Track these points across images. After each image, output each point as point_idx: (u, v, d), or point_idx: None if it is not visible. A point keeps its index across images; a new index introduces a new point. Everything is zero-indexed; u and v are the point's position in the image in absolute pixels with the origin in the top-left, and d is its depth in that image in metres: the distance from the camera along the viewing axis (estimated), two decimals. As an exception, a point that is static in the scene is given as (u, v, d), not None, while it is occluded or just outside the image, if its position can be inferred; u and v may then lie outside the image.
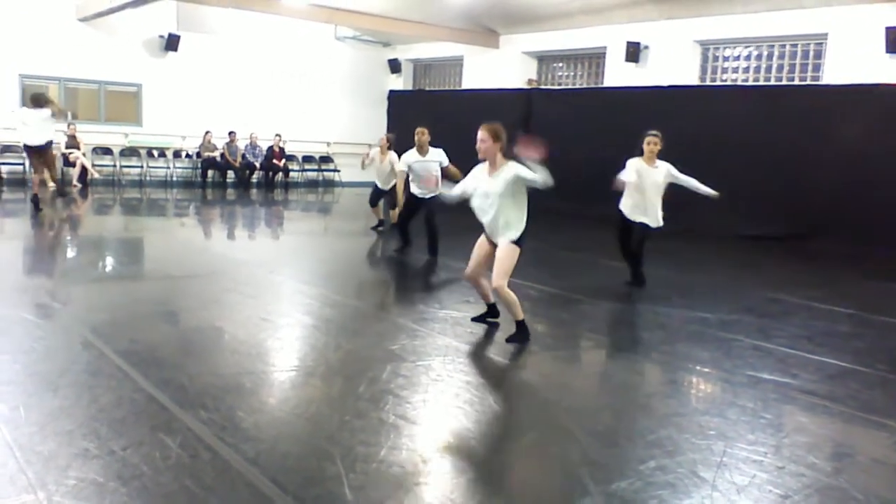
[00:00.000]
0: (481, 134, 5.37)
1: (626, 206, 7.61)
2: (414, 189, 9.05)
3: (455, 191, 5.81)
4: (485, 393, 4.62)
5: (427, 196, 8.83)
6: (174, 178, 17.30)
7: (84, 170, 15.67)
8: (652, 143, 7.44)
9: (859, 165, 11.05)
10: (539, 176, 5.19)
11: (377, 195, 11.30)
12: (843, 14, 11.94)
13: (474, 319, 5.94)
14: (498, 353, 5.28)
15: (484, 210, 5.45)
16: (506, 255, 5.37)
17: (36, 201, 11.31)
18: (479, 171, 5.59)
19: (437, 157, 8.96)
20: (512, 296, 5.41)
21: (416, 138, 8.90)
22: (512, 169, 5.33)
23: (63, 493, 2.98)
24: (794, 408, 4.54)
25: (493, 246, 5.50)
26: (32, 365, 4.58)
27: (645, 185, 7.41)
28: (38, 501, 2.91)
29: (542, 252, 10.41)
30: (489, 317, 5.93)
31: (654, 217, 7.50)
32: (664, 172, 7.48)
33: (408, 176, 9.15)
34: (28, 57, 15.31)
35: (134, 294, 6.94)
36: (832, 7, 12.04)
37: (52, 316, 5.87)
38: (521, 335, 5.51)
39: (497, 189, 5.35)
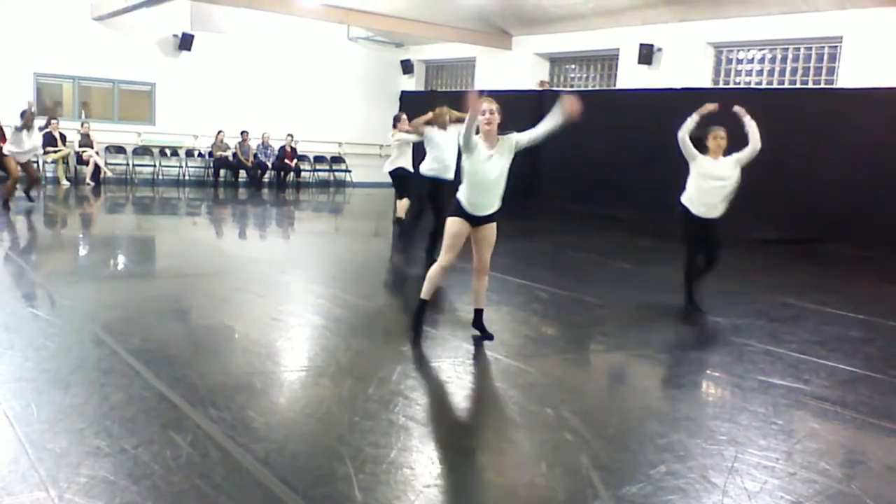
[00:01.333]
0: (490, 105, 5.05)
1: (692, 201, 6.94)
2: (429, 168, 8.67)
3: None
4: (494, 395, 4.62)
5: (441, 178, 8.58)
6: (186, 178, 17.37)
7: (97, 168, 15.77)
8: (718, 137, 6.95)
9: (874, 169, 10.97)
10: (552, 119, 5.11)
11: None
12: (858, 17, 11.87)
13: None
14: (508, 355, 5.27)
15: (487, 187, 5.17)
16: (494, 236, 5.31)
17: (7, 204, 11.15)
18: (477, 144, 5.17)
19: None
20: None
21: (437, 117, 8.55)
22: (511, 139, 5.15)
23: (74, 491, 2.99)
24: (806, 413, 4.51)
25: (469, 227, 5.25)
26: (44, 362, 4.60)
27: (710, 182, 6.85)
28: (49, 499, 2.93)
29: (552, 253, 10.40)
30: (422, 317, 5.54)
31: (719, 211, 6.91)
32: (731, 165, 6.90)
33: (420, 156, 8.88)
34: (43, 56, 15.41)
35: (146, 292, 6.97)
36: (847, 10, 11.98)
37: (63, 313, 5.90)
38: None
39: (505, 164, 5.16)
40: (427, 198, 8.95)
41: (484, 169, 5.14)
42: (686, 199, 6.95)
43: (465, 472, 3.51)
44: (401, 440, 3.70)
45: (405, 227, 9.98)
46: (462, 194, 5.25)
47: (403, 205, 10.32)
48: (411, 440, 3.74)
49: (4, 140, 10.86)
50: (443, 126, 8.51)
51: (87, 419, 3.71)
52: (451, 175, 8.48)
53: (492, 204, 5.23)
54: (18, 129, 10.82)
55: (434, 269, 5.33)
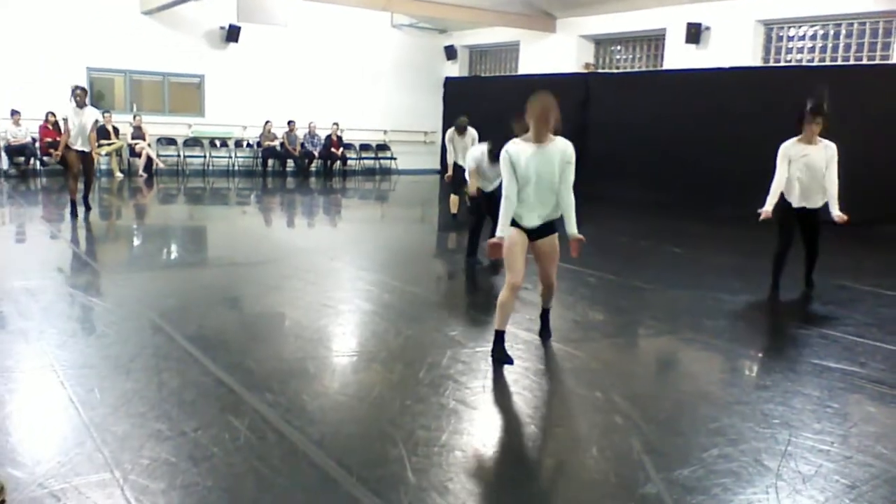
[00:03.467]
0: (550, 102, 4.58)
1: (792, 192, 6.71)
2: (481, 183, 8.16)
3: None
4: (543, 379, 4.64)
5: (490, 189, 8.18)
6: (236, 168, 17.64)
7: (149, 160, 16.11)
8: (816, 121, 6.57)
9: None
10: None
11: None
12: (915, -10, 11.51)
13: (500, 360, 4.74)
14: (557, 339, 5.28)
15: (542, 192, 4.64)
16: (558, 247, 4.87)
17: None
18: (518, 149, 4.64)
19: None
20: None
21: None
22: (561, 143, 4.64)
23: (138, 472, 3.10)
24: (862, 397, 4.43)
25: (527, 238, 4.77)
26: (105, 349, 4.76)
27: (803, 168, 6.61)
28: (114, 479, 3.04)
29: (600, 239, 10.32)
30: (503, 346, 4.81)
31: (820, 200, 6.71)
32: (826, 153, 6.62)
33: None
34: (94, 50, 15.76)
35: (199, 281, 7.13)
36: (904, -18, 11.63)
37: (122, 302, 6.07)
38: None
39: (554, 166, 4.60)
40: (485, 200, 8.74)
41: (526, 169, 4.62)
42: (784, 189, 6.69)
43: (516, 455, 3.54)
44: (451, 423, 3.75)
45: (459, 222, 9.97)
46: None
47: (455, 200, 10.45)
48: (462, 423, 3.78)
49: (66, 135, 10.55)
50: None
51: (147, 403, 3.84)
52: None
53: (548, 213, 4.72)
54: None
55: (502, 295, 4.76)
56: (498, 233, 4.62)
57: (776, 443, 3.65)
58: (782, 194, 6.70)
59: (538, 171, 4.58)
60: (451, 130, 10.52)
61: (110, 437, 3.43)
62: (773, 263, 6.91)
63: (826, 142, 6.65)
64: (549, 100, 4.58)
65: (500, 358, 4.72)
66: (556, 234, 4.80)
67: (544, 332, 5.30)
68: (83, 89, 10.25)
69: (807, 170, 6.60)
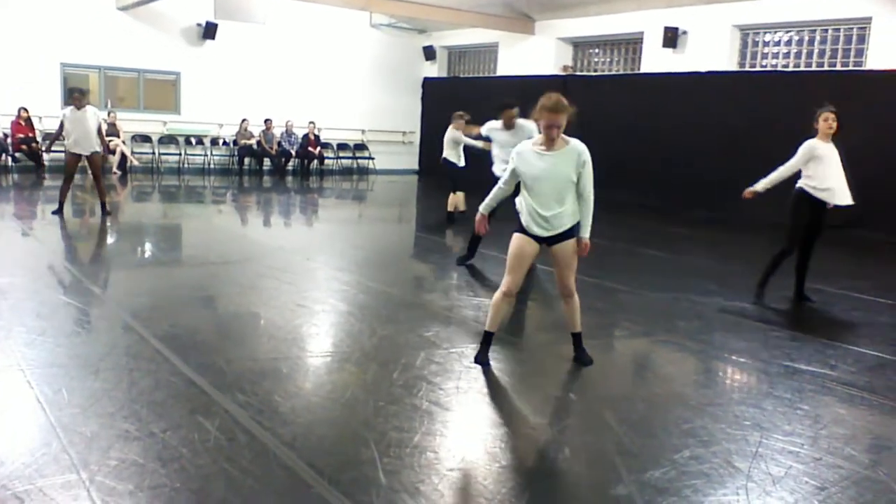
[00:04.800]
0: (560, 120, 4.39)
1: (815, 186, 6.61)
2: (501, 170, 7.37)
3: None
4: (517, 380, 4.64)
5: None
6: (211, 166, 17.50)
7: (124, 157, 15.93)
8: (830, 119, 6.63)
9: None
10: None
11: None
12: (888, -3, 11.66)
13: (476, 360, 4.73)
14: (532, 341, 5.28)
15: (549, 199, 4.48)
16: (574, 254, 4.62)
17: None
18: (527, 150, 4.56)
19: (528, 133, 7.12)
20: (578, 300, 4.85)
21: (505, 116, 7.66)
22: (578, 147, 4.48)
23: (105, 473, 3.05)
24: (832, 399, 4.48)
25: (538, 248, 4.62)
26: (74, 348, 4.69)
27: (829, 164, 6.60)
28: (80, 481, 2.99)
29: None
30: (488, 349, 4.75)
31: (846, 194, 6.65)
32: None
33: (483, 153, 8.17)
34: (69, 46, 15.57)
35: (173, 279, 7.06)
36: (877, -10, 11.78)
37: (93, 300, 5.99)
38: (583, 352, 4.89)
39: (567, 170, 4.45)
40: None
41: (530, 169, 4.51)
42: (811, 186, 6.60)
43: (488, 457, 3.53)
44: (424, 424, 3.73)
45: (455, 221, 9.94)
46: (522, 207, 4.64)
47: (455, 199, 10.42)
48: (435, 424, 3.77)
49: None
50: (510, 126, 7.61)
51: (116, 404, 3.78)
52: None
53: (560, 220, 4.52)
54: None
55: (495, 296, 4.69)
56: (481, 209, 4.79)
57: (747, 444, 3.67)
58: (809, 194, 6.60)
59: (546, 176, 4.45)
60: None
61: (77, 437, 3.37)
62: (772, 263, 6.88)
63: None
64: (558, 101, 4.39)
65: (477, 358, 4.71)
66: (574, 240, 4.58)
67: (580, 357, 4.84)
68: (81, 91, 10.14)
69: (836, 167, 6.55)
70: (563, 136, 4.49)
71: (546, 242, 4.58)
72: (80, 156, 9.99)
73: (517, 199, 4.68)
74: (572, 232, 4.57)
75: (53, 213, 9.99)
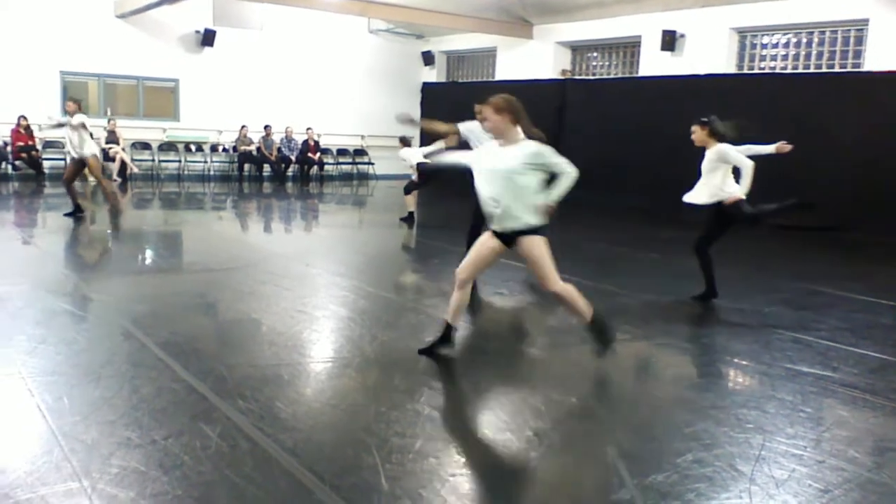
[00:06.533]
0: (484, 112, 4.51)
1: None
2: None
3: (448, 157, 5.00)
4: (519, 385, 4.63)
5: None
6: (211, 172, 17.52)
7: (123, 164, 15.94)
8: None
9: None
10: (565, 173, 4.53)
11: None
12: (885, -1, 11.69)
13: (423, 352, 4.84)
14: (533, 345, 5.27)
15: (491, 193, 4.51)
16: (540, 252, 4.53)
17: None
18: (487, 147, 4.67)
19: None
20: (573, 291, 4.74)
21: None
22: (530, 146, 4.46)
23: (106, 481, 3.04)
24: (835, 401, 4.47)
25: (502, 245, 4.60)
26: (75, 356, 4.68)
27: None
28: (82, 489, 2.98)
29: (573, 244, 10.36)
30: (442, 344, 4.82)
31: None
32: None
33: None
34: (68, 54, 15.60)
35: (173, 286, 7.06)
36: (874, -8, 11.80)
37: (93, 308, 5.98)
38: (603, 337, 4.85)
39: (510, 165, 4.42)
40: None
41: (481, 163, 4.59)
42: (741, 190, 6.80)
43: (490, 462, 3.53)
44: (426, 430, 3.72)
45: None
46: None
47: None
48: (437, 430, 3.76)
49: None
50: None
51: (117, 411, 3.77)
52: None
53: (508, 213, 4.48)
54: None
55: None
56: (425, 151, 4.84)
57: (750, 447, 3.66)
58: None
59: (490, 168, 4.50)
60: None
61: (79, 445, 3.36)
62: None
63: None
64: (491, 97, 4.50)
65: (427, 349, 4.79)
66: (530, 238, 4.51)
67: (598, 347, 4.88)
68: (74, 100, 10.42)
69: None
70: (522, 136, 4.49)
71: (505, 243, 4.58)
72: (76, 159, 10.32)
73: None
74: (525, 232, 4.50)
75: (66, 214, 10.39)
